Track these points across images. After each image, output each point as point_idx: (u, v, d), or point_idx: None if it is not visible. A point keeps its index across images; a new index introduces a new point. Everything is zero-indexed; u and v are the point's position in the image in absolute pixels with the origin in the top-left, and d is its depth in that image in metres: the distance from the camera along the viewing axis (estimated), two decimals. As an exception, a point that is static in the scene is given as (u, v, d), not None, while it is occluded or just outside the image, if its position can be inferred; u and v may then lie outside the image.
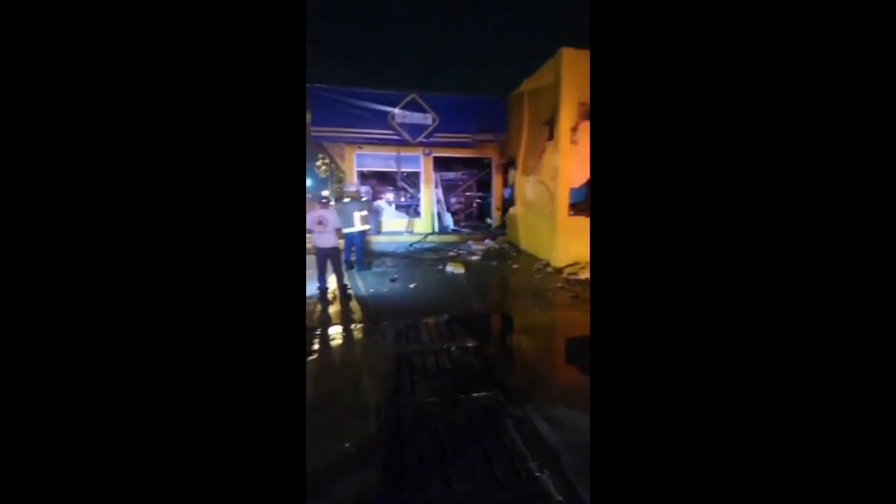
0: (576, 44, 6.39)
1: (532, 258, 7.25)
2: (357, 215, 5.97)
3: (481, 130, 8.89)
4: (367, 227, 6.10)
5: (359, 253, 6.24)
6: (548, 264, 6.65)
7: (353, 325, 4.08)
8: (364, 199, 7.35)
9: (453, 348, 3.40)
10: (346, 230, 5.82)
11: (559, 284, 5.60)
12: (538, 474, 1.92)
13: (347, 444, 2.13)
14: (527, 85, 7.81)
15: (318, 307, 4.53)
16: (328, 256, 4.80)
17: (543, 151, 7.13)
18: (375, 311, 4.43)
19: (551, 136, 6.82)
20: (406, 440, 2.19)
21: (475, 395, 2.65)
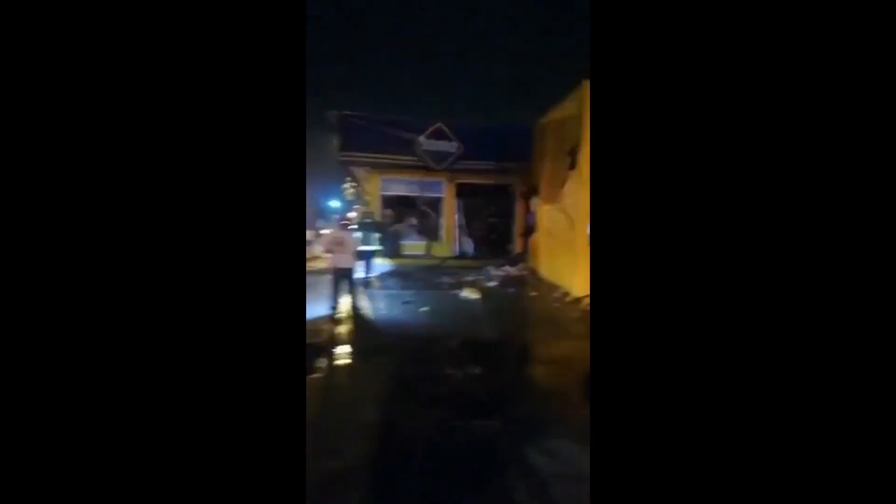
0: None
1: (552, 286, 7.10)
2: (375, 237, 6.17)
3: (505, 158, 8.99)
4: (378, 247, 6.45)
5: (370, 270, 6.57)
6: (567, 293, 6.49)
7: (360, 346, 4.09)
8: (381, 221, 7.60)
9: (458, 374, 3.33)
10: (361, 248, 6.00)
11: (576, 315, 5.43)
12: (526, 512, 1.82)
13: (337, 464, 2.10)
14: (552, 115, 7.90)
15: (329, 326, 4.58)
16: (344, 277, 4.89)
17: (566, 181, 7.11)
18: (384, 333, 4.43)
19: (573, 166, 6.81)
20: (396, 465, 2.13)
21: (473, 422, 2.57)
